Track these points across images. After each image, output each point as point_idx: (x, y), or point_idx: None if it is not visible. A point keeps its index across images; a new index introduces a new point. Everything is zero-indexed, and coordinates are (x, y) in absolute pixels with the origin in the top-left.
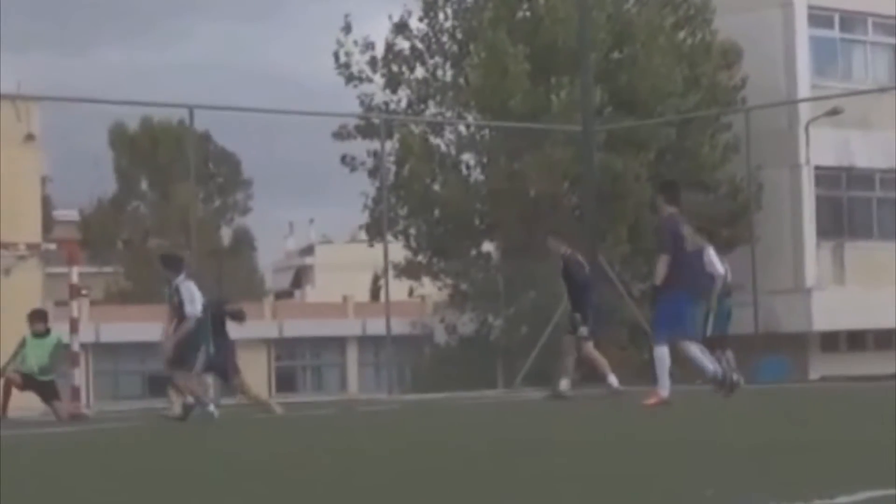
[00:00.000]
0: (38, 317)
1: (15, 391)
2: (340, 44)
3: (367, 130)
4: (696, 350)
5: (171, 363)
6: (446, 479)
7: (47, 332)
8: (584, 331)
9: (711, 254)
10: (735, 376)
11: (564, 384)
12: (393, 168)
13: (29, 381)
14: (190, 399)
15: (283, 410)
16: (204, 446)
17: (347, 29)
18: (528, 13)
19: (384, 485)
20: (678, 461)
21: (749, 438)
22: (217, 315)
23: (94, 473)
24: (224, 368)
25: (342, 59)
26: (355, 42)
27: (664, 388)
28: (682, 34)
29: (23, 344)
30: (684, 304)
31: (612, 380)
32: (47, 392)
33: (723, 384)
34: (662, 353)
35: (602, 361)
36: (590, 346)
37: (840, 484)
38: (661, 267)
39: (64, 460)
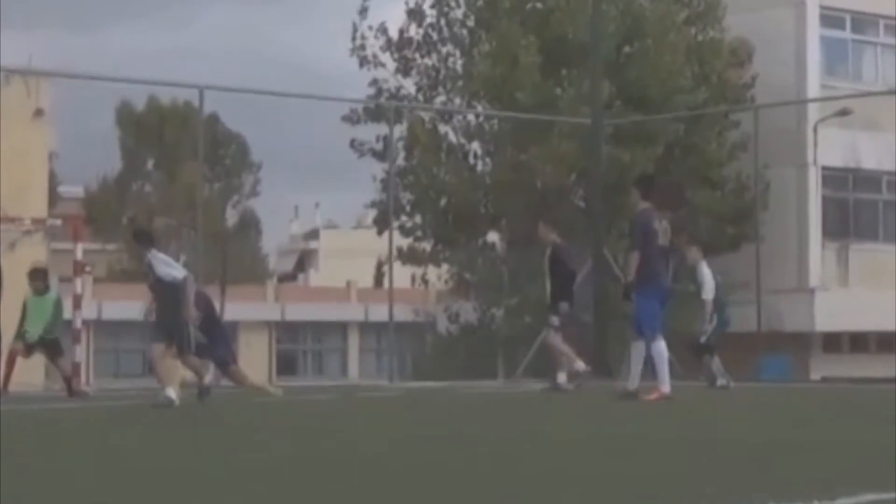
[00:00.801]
0: (37, 274)
1: (19, 362)
2: (356, 27)
3: (376, 114)
4: (666, 357)
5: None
6: (442, 471)
7: (47, 288)
8: (555, 320)
9: (705, 273)
10: (723, 380)
11: (562, 377)
12: (401, 153)
13: (33, 344)
14: (171, 393)
15: (281, 392)
16: (198, 421)
17: (363, 13)
18: (538, 4)
19: (382, 475)
20: (679, 459)
21: (750, 437)
22: (207, 306)
23: (90, 451)
24: (222, 357)
25: (357, 41)
26: (370, 27)
27: (665, 384)
28: (692, 30)
29: (25, 306)
30: (662, 298)
31: (579, 365)
32: (53, 350)
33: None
34: (660, 349)
35: (562, 352)
36: (556, 338)
37: (841, 485)
38: (634, 263)
39: (61, 437)
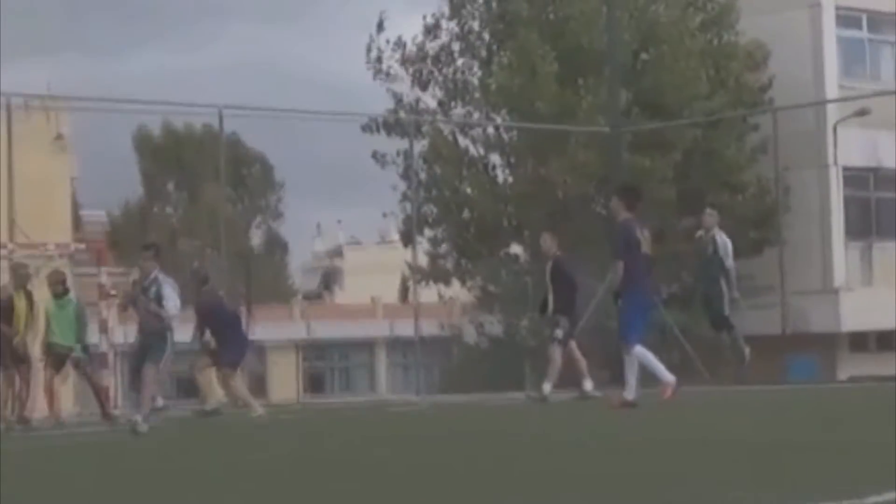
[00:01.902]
0: (55, 279)
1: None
2: (372, 40)
3: (395, 128)
4: (651, 356)
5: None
6: (448, 478)
7: (66, 291)
8: (559, 333)
9: (727, 242)
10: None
11: (588, 385)
12: (423, 168)
13: (61, 357)
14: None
15: (263, 412)
16: (225, 444)
17: (380, 27)
18: (552, 15)
19: (384, 476)
20: (705, 461)
21: (778, 437)
22: (218, 309)
23: (92, 452)
24: (227, 360)
25: (374, 55)
26: (388, 41)
27: (666, 376)
28: (707, 35)
29: (48, 314)
30: (647, 307)
31: (547, 387)
32: (82, 361)
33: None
34: (642, 351)
35: (556, 367)
36: (557, 350)
37: (869, 484)
38: (619, 273)
39: (65, 438)
